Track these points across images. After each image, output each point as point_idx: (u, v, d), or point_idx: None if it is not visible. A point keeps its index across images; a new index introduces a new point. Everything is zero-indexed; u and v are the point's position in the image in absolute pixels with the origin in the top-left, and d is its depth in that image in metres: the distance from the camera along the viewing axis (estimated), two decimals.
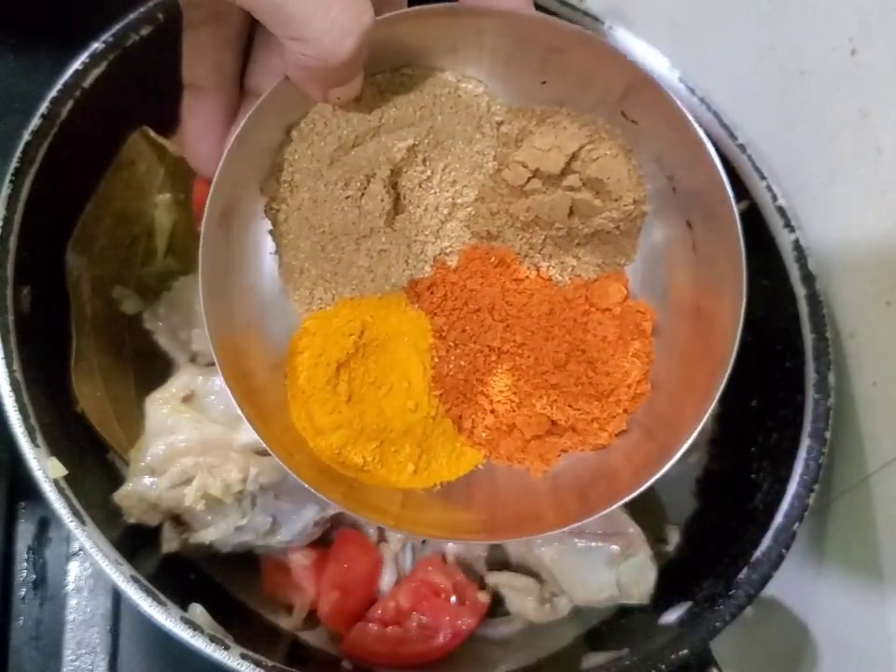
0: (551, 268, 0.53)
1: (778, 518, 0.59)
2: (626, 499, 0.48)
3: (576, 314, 0.53)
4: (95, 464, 0.60)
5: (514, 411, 0.53)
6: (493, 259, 0.53)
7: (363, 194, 0.49)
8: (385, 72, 0.49)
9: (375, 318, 0.52)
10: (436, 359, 0.53)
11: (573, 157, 0.50)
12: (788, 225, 0.65)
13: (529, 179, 0.50)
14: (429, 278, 0.52)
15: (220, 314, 0.48)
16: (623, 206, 0.50)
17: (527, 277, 0.53)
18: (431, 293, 0.53)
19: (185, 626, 0.50)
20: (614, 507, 0.48)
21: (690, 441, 0.47)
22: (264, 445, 0.46)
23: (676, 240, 0.52)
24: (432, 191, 0.51)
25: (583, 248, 0.53)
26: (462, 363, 0.53)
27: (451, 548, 0.63)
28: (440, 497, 0.52)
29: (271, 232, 0.51)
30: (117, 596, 0.66)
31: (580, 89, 0.50)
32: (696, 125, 0.46)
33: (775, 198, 0.65)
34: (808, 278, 0.64)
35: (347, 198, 0.49)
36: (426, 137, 0.50)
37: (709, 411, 0.47)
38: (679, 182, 0.50)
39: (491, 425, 0.53)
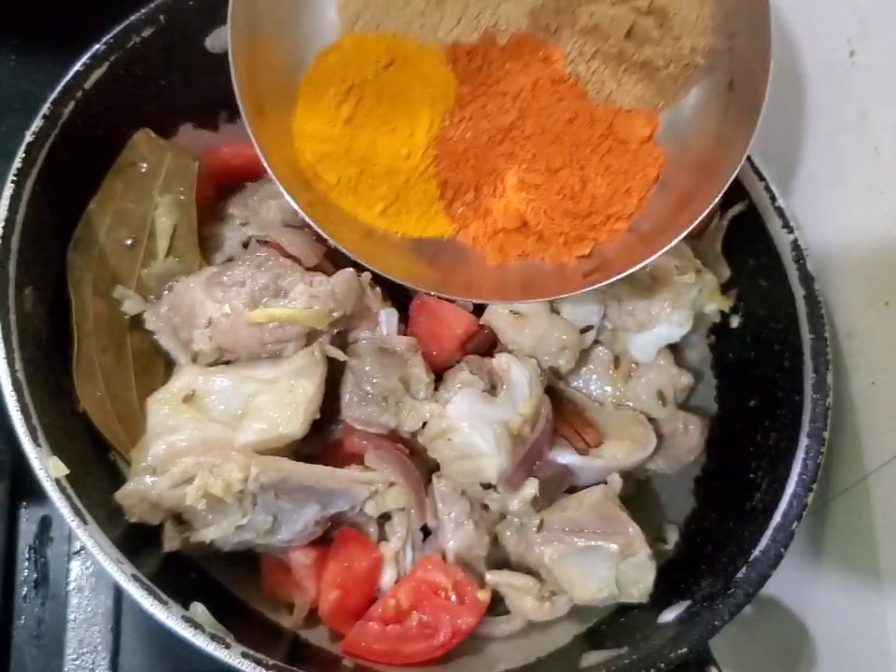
0: (591, 83, 0.54)
1: (777, 517, 0.60)
2: (562, 296, 0.53)
3: (593, 133, 0.53)
4: (97, 463, 0.60)
5: (494, 196, 0.54)
6: (542, 52, 0.53)
7: None
8: None
9: (407, 61, 0.53)
10: (447, 123, 0.54)
11: None
12: (786, 225, 0.65)
13: None
14: (473, 46, 0.53)
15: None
16: (679, 47, 0.50)
17: (565, 82, 0.54)
18: (469, 61, 0.54)
19: (186, 625, 0.50)
20: (550, 299, 0.54)
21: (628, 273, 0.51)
22: (249, 131, 0.49)
23: (713, 100, 0.53)
24: None
25: (629, 76, 0.53)
26: (468, 136, 0.54)
27: (451, 547, 0.63)
28: (402, 245, 0.55)
29: None
30: (118, 595, 0.67)
31: None
32: None
33: (773, 198, 0.65)
34: (807, 278, 0.64)
35: None
36: None
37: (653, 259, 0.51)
38: (737, 42, 0.51)
39: (469, 202, 0.54)
